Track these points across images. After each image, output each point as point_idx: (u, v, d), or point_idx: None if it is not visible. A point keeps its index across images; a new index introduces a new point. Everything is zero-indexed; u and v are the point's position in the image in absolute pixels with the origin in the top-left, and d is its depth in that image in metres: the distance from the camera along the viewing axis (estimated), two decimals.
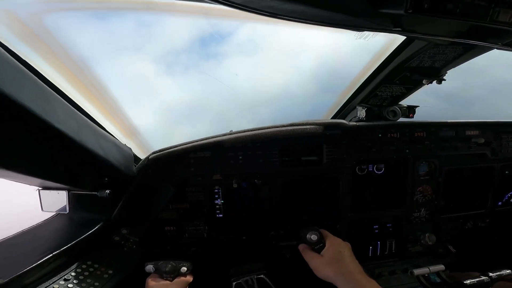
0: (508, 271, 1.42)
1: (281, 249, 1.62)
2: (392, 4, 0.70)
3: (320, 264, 1.18)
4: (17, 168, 0.80)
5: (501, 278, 1.41)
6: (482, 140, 1.59)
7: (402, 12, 0.68)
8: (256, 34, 1.45)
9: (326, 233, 1.30)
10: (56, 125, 0.79)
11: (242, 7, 0.69)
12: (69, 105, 0.93)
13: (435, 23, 0.82)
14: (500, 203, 1.82)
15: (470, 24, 0.76)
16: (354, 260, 1.16)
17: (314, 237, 1.24)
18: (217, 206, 1.57)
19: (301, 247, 1.28)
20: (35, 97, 0.74)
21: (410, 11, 0.66)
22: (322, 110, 2.05)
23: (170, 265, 1.24)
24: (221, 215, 1.58)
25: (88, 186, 1.16)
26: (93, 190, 1.17)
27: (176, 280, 1.23)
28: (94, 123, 1.13)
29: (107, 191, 1.16)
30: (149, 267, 1.25)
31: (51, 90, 0.86)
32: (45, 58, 0.96)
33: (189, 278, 1.28)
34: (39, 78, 0.82)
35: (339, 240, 1.25)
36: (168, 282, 1.21)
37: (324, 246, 1.23)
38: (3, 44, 0.82)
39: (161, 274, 1.23)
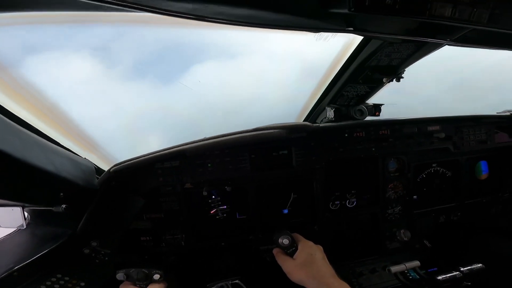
0: (479, 265, 1.45)
1: (261, 253, 1.60)
2: (338, 4, 0.71)
3: (292, 268, 1.17)
4: None
5: (472, 272, 1.44)
6: (443, 135, 1.64)
7: (347, 11, 0.69)
8: (218, 41, 1.44)
9: (298, 236, 1.30)
10: None
11: (189, 16, 0.67)
12: (11, 122, 0.88)
13: (382, 21, 0.84)
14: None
15: (413, 20, 0.78)
16: (326, 263, 1.16)
17: (286, 241, 1.23)
18: (193, 214, 1.54)
19: (275, 251, 1.28)
20: None
21: (353, 9, 0.66)
22: (295, 113, 2.06)
23: (141, 273, 1.22)
24: (197, 223, 1.55)
25: (41, 202, 1.11)
26: (48, 205, 1.12)
27: (149, 287, 1.20)
28: (45, 139, 1.09)
29: (63, 206, 1.11)
30: (120, 275, 1.21)
31: None
32: None
33: (163, 285, 1.24)
34: None
35: (311, 243, 1.25)
36: None
37: (296, 249, 1.23)
38: None
39: (134, 282, 1.20)
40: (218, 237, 1.57)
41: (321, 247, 1.23)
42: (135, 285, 1.21)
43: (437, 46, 1.15)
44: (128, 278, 1.22)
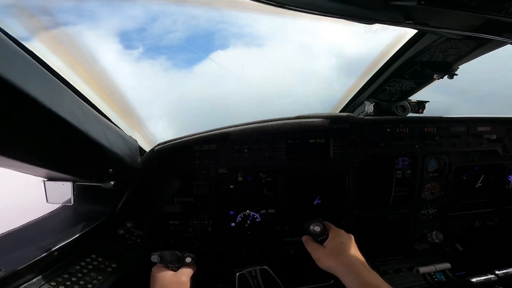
0: None
1: (285, 245, 1.62)
2: None
3: (322, 255, 1.18)
4: (22, 157, 0.81)
5: (507, 276, 1.39)
6: (494, 136, 1.55)
7: (415, 4, 0.66)
8: (264, 27, 1.43)
9: (329, 225, 1.30)
10: (62, 114, 0.80)
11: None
12: (76, 96, 0.93)
13: (448, 16, 0.79)
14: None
15: (485, 17, 0.73)
16: (356, 252, 1.16)
17: (317, 228, 1.25)
18: (222, 201, 1.56)
19: (304, 238, 1.29)
20: (42, 87, 0.75)
21: (423, 2, 0.63)
22: (330, 105, 2.02)
23: (175, 255, 1.26)
24: (226, 209, 1.58)
25: (92, 177, 1.16)
26: (98, 181, 1.17)
27: (180, 270, 1.25)
28: (100, 114, 1.13)
29: (112, 183, 1.15)
30: (155, 257, 1.26)
31: (59, 81, 0.86)
32: (52, 50, 0.96)
33: (194, 268, 1.29)
34: (46, 70, 0.82)
35: (342, 231, 1.25)
36: (172, 272, 1.22)
37: (327, 237, 1.24)
38: (11, 36, 0.82)
39: (166, 264, 1.25)
40: (243, 225, 1.60)
41: (352, 236, 1.24)
42: (167, 267, 1.24)
43: (500, 44, 1.07)
44: (162, 260, 1.26)
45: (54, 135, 0.86)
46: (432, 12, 0.76)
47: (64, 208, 1.40)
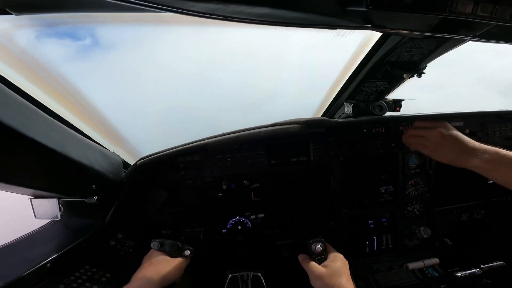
0: (499, 263, 1.42)
1: (277, 248, 1.63)
2: (355, 1, 0.72)
3: (318, 274, 1.20)
4: (5, 180, 0.83)
5: (491, 269, 1.42)
6: (467, 131, 1.60)
7: (364, 8, 0.70)
8: (236, 38, 1.47)
9: (330, 247, 1.33)
10: (38, 139, 0.83)
11: (210, 16, 0.70)
12: (52, 119, 0.96)
13: (401, 18, 0.84)
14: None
15: (433, 17, 0.78)
16: (349, 279, 1.19)
17: (319, 247, 1.27)
18: (211, 208, 1.58)
19: (301, 257, 1.31)
20: (16, 114, 0.77)
21: (371, 7, 0.67)
22: (312, 109, 2.06)
23: (175, 245, 1.27)
24: (215, 217, 1.59)
25: (76, 193, 1.18)
26: (82, 197, 1.20)
27: (176, 258, 1.25)
28: (80, 133, 1.16)
29: (95, 197, 1.18)
30: (155, 244, 1.27)
31: (33, 106, 0.89)
32: (24, 75, 0.99)
33: (187, 262, 1.29)
34: (19, 95, 0.85)
35: (341, 256, 1.28)
36: (168, 257, 1.23)
37: (325, 258, 1.26)
38: None
39: (164, 252, 1.26)
40: (235, 231, 1.61)
41: (347, 263, 1.26)
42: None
43: (461, 41, 1.12)
44: (161, 247, 1.26)
45: (32, 158, 0.89)
46: (385, 15, 0.81)
47: (54, 223, 1.42)
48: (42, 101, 1.05)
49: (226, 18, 0.73)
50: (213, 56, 1.62)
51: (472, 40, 1.00)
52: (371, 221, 1.69)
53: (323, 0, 0.79)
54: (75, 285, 1.16)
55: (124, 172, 1.41)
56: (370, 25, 0.88)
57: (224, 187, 1.51)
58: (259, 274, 1.43)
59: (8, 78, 0.91)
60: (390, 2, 0.66)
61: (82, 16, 1.01)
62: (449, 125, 1.37)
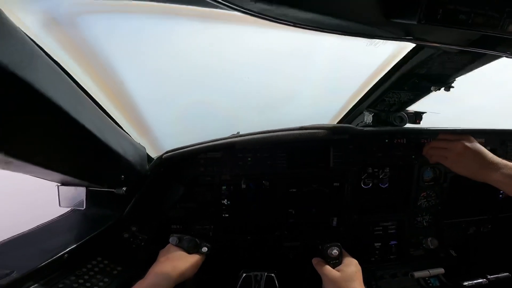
0: (506, 274, 1.43)
1: (284, 250, 1.65)
2: (406, 15, 0.73)
3: (333, 278, 1.21)
4: (44, 163, 0.83)
5: (498, 280, 1.43)
6: (488, 148, 1.60)
7: (415, 22, 0.71)
8: (265, 38, 1.49)
9: (345, 252, 1.35)
10: (84, 123, 0.84)
11: (258, 15, 0.72)
12: (95, 106, 0.97)
13: (446, 32, 0.85)
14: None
15: (480, 33, 0.79)
16: (362, 284, 1.20)
17: (335, 252, 1.28)
18: (223, 207, 1.59)
19: (316, 260, 1.32)
20: (69, 97, 0.79)
21: (423, 21, 0.68)
22: (329, 114, 2.07)
23: (193, 241, 1.28)
24: (227, 215, 1.60)
25: (106, 183, 1.18)
26: (110, 187, 1.20)
27: (193, 254, 1.26)
28: (114, 122, 1.17)
29: (124, 188, 1.18)
30: (173, 239, 1.28)
31: (82, 92, 0.91)
32: (74, 58, 1.00)
33: (202, 258, 1.30)
34: (71, 80, 0.87)
35: (355, 261, 1.29)
36: (185, 253, 1.24)
37: (339, 263, 1.28)
38: (43, 49, 0.86)
39: (182, 247, 1.26)
40: (245, 231, 1.62)
41: (360, 268, 1.27)
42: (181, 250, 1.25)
43: (496, 57, 1.13)
44: (179, 242, 1.27)
45: (75, 142, 0.90)
46: (431, 29, 0.82)
47: (72, 212, 1.42)
48: (87, 87, 1.06)
49: (275, 19, 0.75)
50: (242, 56, 1.63)
51: (507, 57, 1.01)
52: (379, 228, 1.71)
53: (368, 10, 0.80)
54: (86, 277, 1.15)
55: (147, 164, 1.41)
56: (411, 37, 0.89)
57: (243, 186, 1.52)
58: (272, 274, 1.44)
59: (60, 62, 0.93)
60: (444, 18, 0.67)
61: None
62: (473, 138, 1.38)
